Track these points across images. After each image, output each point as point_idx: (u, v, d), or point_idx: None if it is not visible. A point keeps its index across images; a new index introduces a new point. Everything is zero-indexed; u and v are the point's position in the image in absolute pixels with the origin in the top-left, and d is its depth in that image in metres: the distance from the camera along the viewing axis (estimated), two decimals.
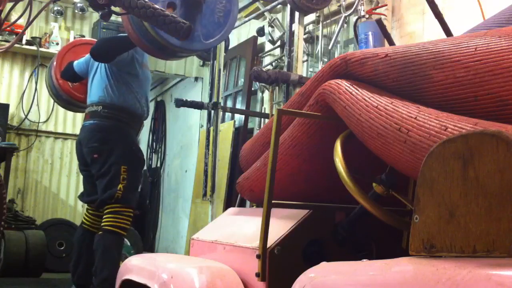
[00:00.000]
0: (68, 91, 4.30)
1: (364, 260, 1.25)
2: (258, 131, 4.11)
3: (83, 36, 7.00)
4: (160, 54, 3.15)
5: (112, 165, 3.75)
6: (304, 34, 4.49)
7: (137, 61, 3.90)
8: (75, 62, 4.10)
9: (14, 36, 6.01)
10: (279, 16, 5.15)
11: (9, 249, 5.29)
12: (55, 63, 4.33)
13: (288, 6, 4.18)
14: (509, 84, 1.26)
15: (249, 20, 5.03)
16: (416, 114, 1.34)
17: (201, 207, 5.59)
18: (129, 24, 2.81)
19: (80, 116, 7.07)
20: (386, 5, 3.87)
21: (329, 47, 4.28)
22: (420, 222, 1.06)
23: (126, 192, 3.73)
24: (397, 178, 1.60)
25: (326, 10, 4.37)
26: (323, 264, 1.29)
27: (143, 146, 7.39)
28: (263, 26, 5.24)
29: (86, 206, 4.19)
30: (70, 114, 7.02)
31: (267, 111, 4.94)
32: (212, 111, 4.57)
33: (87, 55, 4.01)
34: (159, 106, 7.92)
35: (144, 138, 7.74)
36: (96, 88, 3.89)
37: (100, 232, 3.70)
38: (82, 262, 3.89)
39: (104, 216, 3.72)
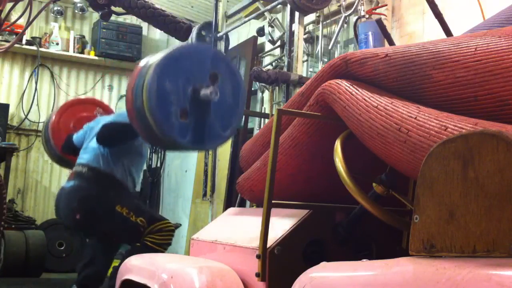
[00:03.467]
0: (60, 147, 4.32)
1: (364, 260, 1.25)
2: (258, 131, 4.11)
3: (83, 36, 7.01)
4: (161, 146, 3.13)
5: (107, 215, 3.59)
6: (304, 34, 4.49)
7: (137, 141, 3.81)
8: (75, 136, 4.07)
9: (14, 36, 6.01)
10: (279, 16, 5.15)
11: (9, 249, 5.29)
12: (53, 118, 4.38)
13: (288, 6, 4.18)
14: (509, 84, 1.26)
15: (249, 20, 5.03)
16: (416, 114, 1.34)
17: (201, 207, 5.59)
18: (132, 110, 2.76)
19: None
20: (386, 5, 3.87)
21: (329, 47, 4.28)
22: (420, 222, 1.06)
23: (143, 215, 3.62)
24: (397, 178, 1.60)
25: (326, 10, 4.37)
26: (323, 264, 1.29)
27: None
28: (263, 26, 5.24)
29: None
30: None
31: (267, 111, 4.94)
32: None
33: (85, 127, 4.02)
34: None
35: None
36: (88, 153, 3.82)
37: (138, 244, 3.59)
38: (95, 265, 3.85)
39: (146, 236, 3.62)
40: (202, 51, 2.79)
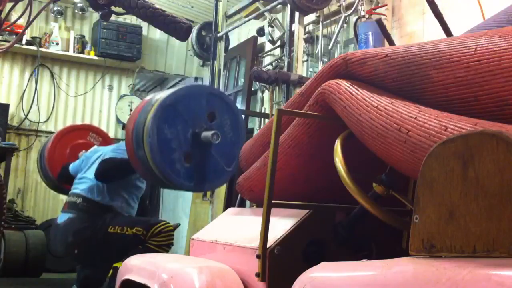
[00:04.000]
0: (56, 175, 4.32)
1: (364, 260, 1.25)
2: (258, 131, 4.11)
3: (83, 36, 7.01)
4: (166, 188, 3.12)
5: (102, 241, 3.58)
6: (304, 34, 4.49)
7: (136, 175, 3.78)
8: (71, 166, 4.06)
9: (14, 36, 6.00)
10: (279, 16, 5.15)
11: (9, 249, 5.29)
12: (49, 145, 4.39)
13: (288, 6, 4.18)
14: (509, 84, 1.26)
15: (249, 20, 5.03)
16: (416, 114, 1.34)
17: (201, 207, 5.60)
18: (133, 153, 2.74)
19: (80, 116, 7.07)
20: (386, 5, 3.87)
21: (329, 47, 4.28)
22: (420, 222, 1.06)
23: (138, 224, 3.61)
24: (397, 178, 1.60)
25: (326, 10, 4.37)
26: (323, 264, 1.29)
27: None
28: (263, 26, 5.24)
29: None
30: (70, 114, 7.03)
31: (267, 111, 4.94)
32: None
33: (81, 156, 4.02)
34: None
35: None
36: (84, 183, 3.79)
37: (140, 246, 3.58)
38: (94, 265, 3.86)
39: (147, 240, 3.61)
40: (197, 92, 2.78)
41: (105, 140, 4.81)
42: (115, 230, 3.60)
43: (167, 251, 3.70)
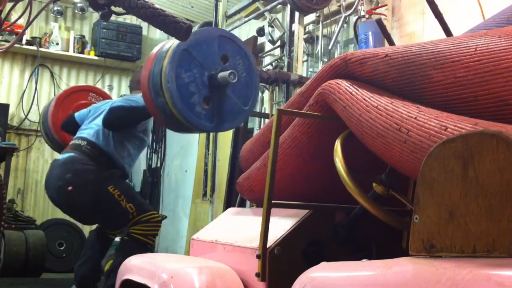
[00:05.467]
0: (64, 139, 4.26)
1: (364, 260, 1.25)
2: (258, 131, 4.11)
3: (83, 36, 7.00)
4: (188, 132, 3.17)
5: (98, 193, 3.53)
6: (304, 34, 4.49)
7: (142, 125, 3.81)
8: (77, 114, 4.03)
9: (14, 36, 6.00)
10: (279, 16, 5.14)
11: (9, 249, 5.29)
12: (52, 108, 4.35)
13: (288, 6, 4.18)
14: (509, 84, 1.26)
15: (249, 20, 5.03)
16: (416, 114, 1.34)
17: (201, 207, 5.60)
18: (154, 105, 2.76)
19: None
20: (386, 5, 3.87)
21: (329, 47, 4.28)
22: (420, 222, 1.06)
23: (134, 202, 3.57)
24: (397, 178, 1.60)
25: (326, 10, 4.37)
26: (323, 264, 1.29)
27: None
28: (263, 26, 5.24)
29: None
30: None
31: (267, 111, 4.94)
32: None
33: (90, 107, 3.99)
34: None
35: None
36: (90, 128, 3.77)
37: (126, 238, 3.57)
38: (90, 263, 3.85)
39: (133, 226, 3.56)
40: (208, 35, 2.83)
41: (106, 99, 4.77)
42: (113, 193, 3.53)
43: (153, 241, 3.66)
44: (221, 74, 2.76)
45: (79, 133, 3.80)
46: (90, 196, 3.53)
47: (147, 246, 3.56)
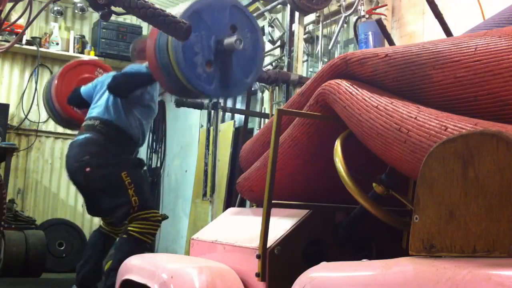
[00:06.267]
0: (69, 112, 4.25)
1: (364, 260, 1.25)
2: (258, 131, 4.11)
3: (83, 36, 7.00)
4: (186, 96, 3.17)
5: (111, 176, 3.56)
6: (304, 34, 4.49)
7: (148, 93, 3.83)
8: (83, 88, 4.03)
9: (14, 36, 6.00)
10: (279, 16, 5.15)
11: (9, 249, 5.29)
12: (55, 81, 4.30)
13: (288, 6, 4.18)
14: (509, 84, 1.26)
15: None
16: (416, 114, 1.34)
17: (201, 207, 5.60)
18: (157, 66, 2.78)
19: None
20: (386, 5, 3.87)
21: (329, 47, 4.28)
22: (420, 222, 1.06)
23: (140, 196, 3.57)
24: (397, 178, 1.60)
25: (326, 10, 4.37)
26: (323, 264, 1.29)
27: (143, 146, 7.38)
28: (263, 26, 5.24)
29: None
30: None
31: (267, 111, 4.94)
32: (212, 111, 4.57)
33: (95, 81, 3.98)
34: (159, 106, 7.88)
35: None
36: (99, 106, 3.79)
37: (124, 236, 3.55)
38: (90, 263, 3.85)
39: (131, 223, 3.55)
40: (221, 2, 2.84)
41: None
42: (125, 179, 3.56)
43: (151, 240, 3.65)
44: (227, 40, 2.78)
45: (90, 113, 3.83)
46: (103, 178, 3.58)
47: (145, 244, 3.56)
